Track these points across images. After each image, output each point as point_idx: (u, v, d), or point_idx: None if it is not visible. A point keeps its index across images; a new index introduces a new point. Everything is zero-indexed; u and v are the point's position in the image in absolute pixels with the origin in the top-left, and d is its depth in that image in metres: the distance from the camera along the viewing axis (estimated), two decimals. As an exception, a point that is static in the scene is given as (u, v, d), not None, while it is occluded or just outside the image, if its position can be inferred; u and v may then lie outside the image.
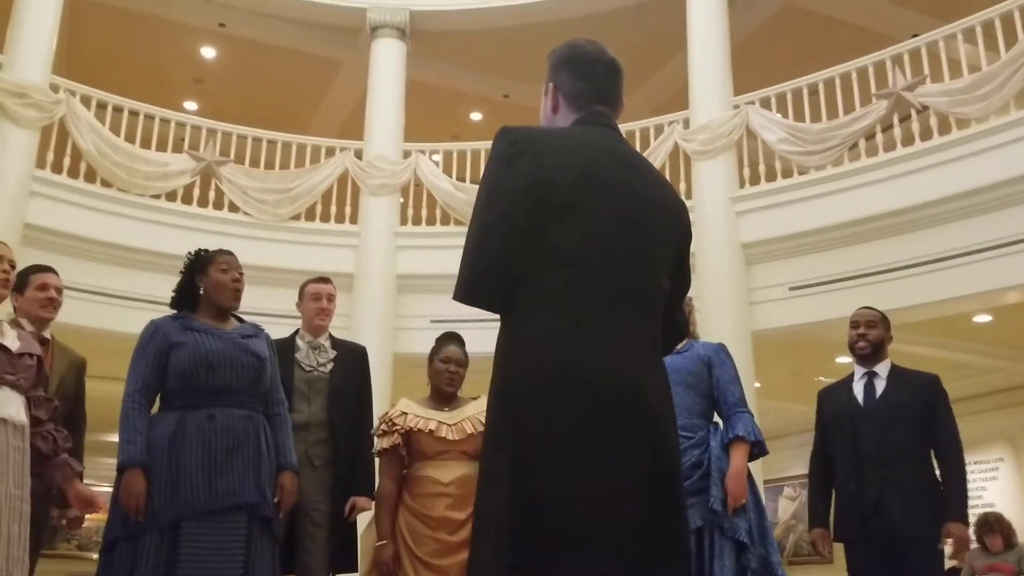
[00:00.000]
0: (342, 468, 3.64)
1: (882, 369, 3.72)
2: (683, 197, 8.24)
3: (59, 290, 3.45)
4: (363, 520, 3.56)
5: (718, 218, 7.90)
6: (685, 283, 1.99)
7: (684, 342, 3.46)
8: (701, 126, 8.16)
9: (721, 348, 3.51)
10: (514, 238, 1.71)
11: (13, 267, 2.72)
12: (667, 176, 8.53)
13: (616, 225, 1.76)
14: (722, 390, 3.37)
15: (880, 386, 3.67)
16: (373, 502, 3.51)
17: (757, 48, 9.43)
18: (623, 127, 8.80)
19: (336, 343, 3.91)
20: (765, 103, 8.18)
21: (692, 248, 7.65)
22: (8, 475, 2.49)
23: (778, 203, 7.77)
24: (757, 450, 3.35)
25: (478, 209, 1.79)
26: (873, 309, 3.89)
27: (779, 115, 8.07)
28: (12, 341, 2.65)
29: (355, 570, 3.59)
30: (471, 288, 1.78)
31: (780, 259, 7.69)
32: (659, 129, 8.61)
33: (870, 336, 3.74)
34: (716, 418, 3.47)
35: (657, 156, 8.43)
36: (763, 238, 7.73)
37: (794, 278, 7.57)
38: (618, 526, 1.61)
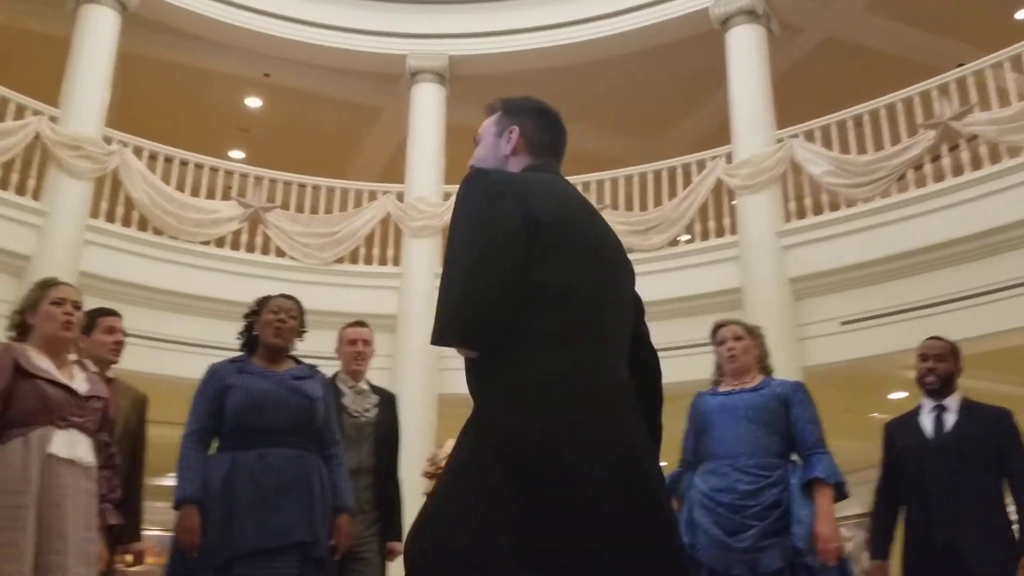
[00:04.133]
0: (387, 511, 3.71)
1: (952, 402, 3.58)
2: (728, 233, 8.22)
3: (124, 333, 3.51)
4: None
5: (764, 253, 7.81)
6: (642, 317, 1.98)
7: (760, 379, 3.35)
8: (744, 160, 8.12)
9: (799, 387, 3.37)
10: (512, 272, 1.64)
11: (78, 308, 2.76)
12: (710, 212, 8.52)
13: (594, 265, 1.77)
14: (800, 429, 3.21)
15: (950, 420, 3.54)
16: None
17: (799, 81, 9.39)
18: (665, 163, 8.78)
19: (375, 389, 3.94)
20: (809, 136, 8.12)
21: (739, 283, 7.56)
22: (79, 517, 2.52)
23: (826, 236, 7.67)
24: (839, 493, 3.17)
25: (463, 245, 1.69)
26: (942, 340, 3.71)
27: (824, 148, 8.00)
28: (80, 384, 2.69)
29: None
30: (468, 326, 1.64)
31: (830, 293, 7.57)
32: (701, 165, 8.59)
33: (939, 370, 3.58)
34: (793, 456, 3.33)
35: (699, 192, 8.40)
36: (812, 272, 7.62)
37: (845, 312, 7.44)
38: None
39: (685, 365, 7.70)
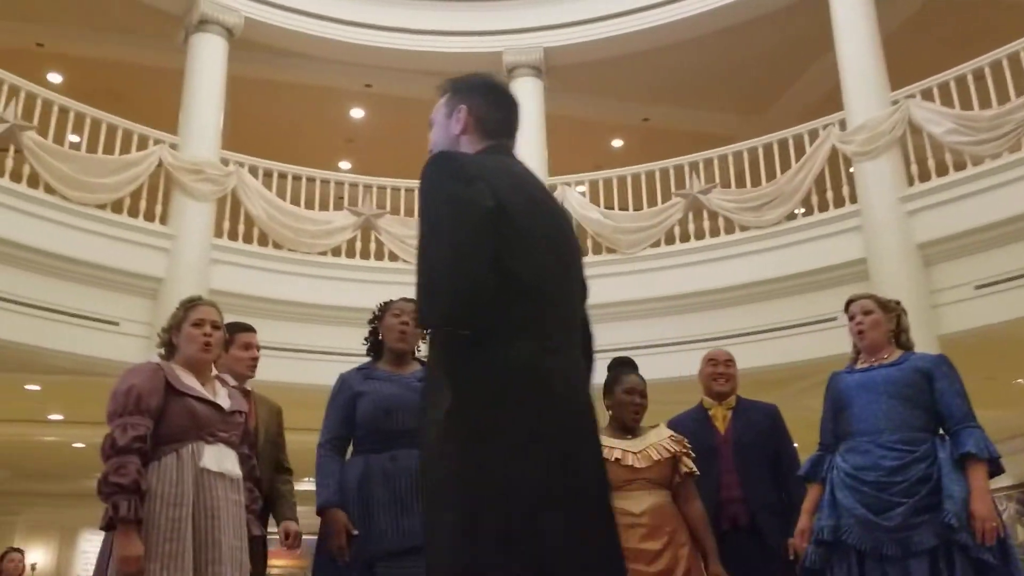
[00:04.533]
0: None
1: None
2: (848, 202, 7.91)
3: (259, 348, 3.65)
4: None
5: (888, 220, 7.48)
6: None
7: (899, 353, 3.20)
8: (859, 126, 7.80)
9: (942, 360, 3.19)
10: (491, 256, 1.65)
11: (217, 328, 2.86)
12: (827, 181, 8.21)
13: (556, 253, 1.80)
14: (946, 404, 3.04)
15: None
16: None
17: (909, 39, 8.95)
18: (775, 136, 8.52)
19: None
20: (927, 95, 7.73)
21: (863, 254, 7.26)
22: (229, 527, 2.63)
23: (953, 198, 7.28)
24: (993, 468, 2.99)
25: (443, 226, 1.68)
26: None
27: (943, 106, 7.61)
28: (224, 399, 2.80)
29: None
30: (463, 307, 1.63)
31: (962, 257, 7.18)
32: (814, 134, 8.30)
33: None
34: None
35: (814, 163, 8.12)
36: (940, 236, 7.25)
37: (980, 275, 7.05)
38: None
39: (807, 342, 7.49)
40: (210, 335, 2.80)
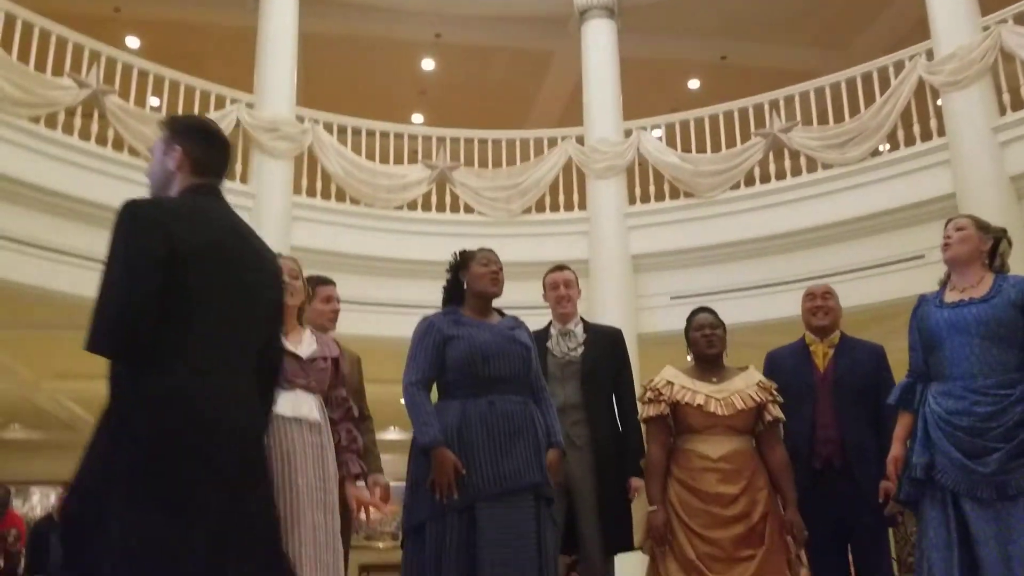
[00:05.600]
0: (603, 447, 3.69)
1: None
2: (935, 135, 7.59)
3: (339, 301, 3.73)
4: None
5: (980, 152, 7.16)
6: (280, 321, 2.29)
7: (990, 281, 3.01)
8: (948, 55, 7.44)
9: None
10: (153, 295, 1.91)
11: (295, 278, 2.97)
12: (913, 115, 7.88)
13: (233, 287, 2.05)
14: None
15: None
16: (641, 479, 3.52)
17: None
18: (858, 69, 8.21)
19: (588, 327, 3.96)
20: (1019, 19, 7.31)
21: (952, 188, 6.96)
22: (308, 468, 2.73)
23: (1050, 125, 6.93)
24: None
25: (113, 267, 1.94)
26: None
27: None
28: (306, 348, 2.91)
29: (632, 547, 3.60)
30: (115, 339, 1.90)
31: (1059, 189, 6.86)
32: (899, 66, 7.96)
33: None
34: None
35: (900, 96, 7.80)
36: (1036, 167, 6.93)
37: (1079, 208, 6.73)
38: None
39: (896, 281, 7.27)
40: (288, 284, 2.90)
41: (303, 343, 2.93)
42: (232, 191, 8.55)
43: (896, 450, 3.09)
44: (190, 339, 1.95)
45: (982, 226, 3.10)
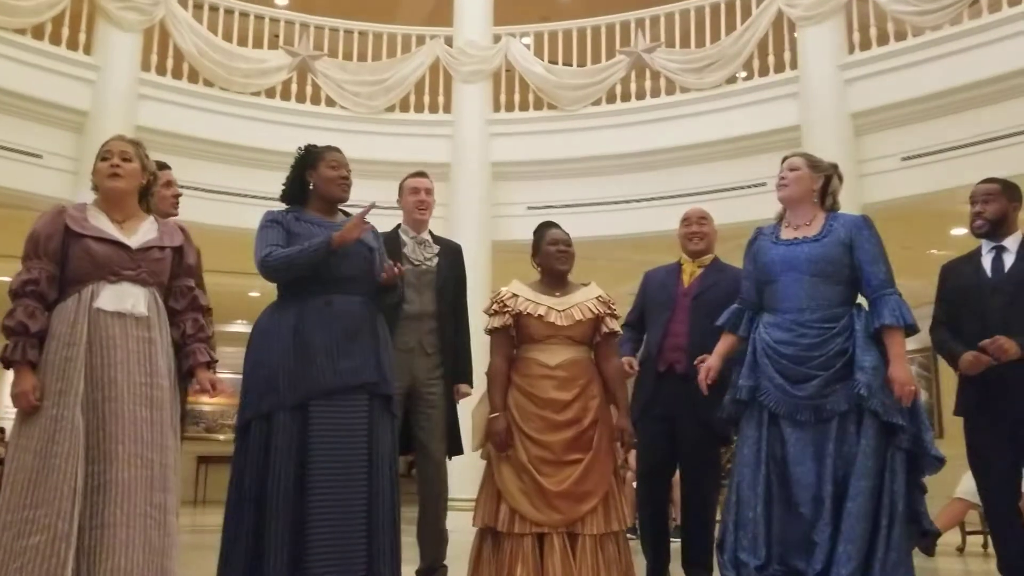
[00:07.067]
0: (449, 355, 3.83)
1: (1011, 243, 3.49)
2: (788, 68, 7.89)
3: (178, 185, 3.58)
4: (466, 404, 3.71)
5: (826, 88, 7.54)
6: None
7: (822, 219, 3.20)
8: (807, -11, 7.70)
9: (863, 223, 3.20)
10: None
11: (128, 160, 2.81)
12: (770, 45, 8.14)
13: None
14: (865, 272, 3.10)
15: (1009, 259, 3.46)
16: (470, 387, 3.79)
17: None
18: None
19: (436, 239, 4.01)
20: (877, -40, 7.63)
21: (798, 120, 7.26)
22: (130, 363, 2.66)
23: (892, 68, 7.34)
24: (909, 331, 3.08)
25: None
26: (993, 181, 3.58)
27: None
28: (140, 237, 2.78)
29: (460, 452, 3.84)
30: None
31: (893, 127, 7.31)
32: (760, -4, 8.17)
33: (987, 213, 3.49)
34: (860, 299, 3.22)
35: (759, 24, 8.04)
36: (875, 106, 7.34)
37: (908, 147, 7.21)
38: None
39: (741, 206, 7.62)
40: (117, 165, 2.76)
41: (139, 232, 2.80)
42: (73, 61, 8.05)
43: (712, 361, 3.33)
44: None
45: (813, 164, 3.28)
